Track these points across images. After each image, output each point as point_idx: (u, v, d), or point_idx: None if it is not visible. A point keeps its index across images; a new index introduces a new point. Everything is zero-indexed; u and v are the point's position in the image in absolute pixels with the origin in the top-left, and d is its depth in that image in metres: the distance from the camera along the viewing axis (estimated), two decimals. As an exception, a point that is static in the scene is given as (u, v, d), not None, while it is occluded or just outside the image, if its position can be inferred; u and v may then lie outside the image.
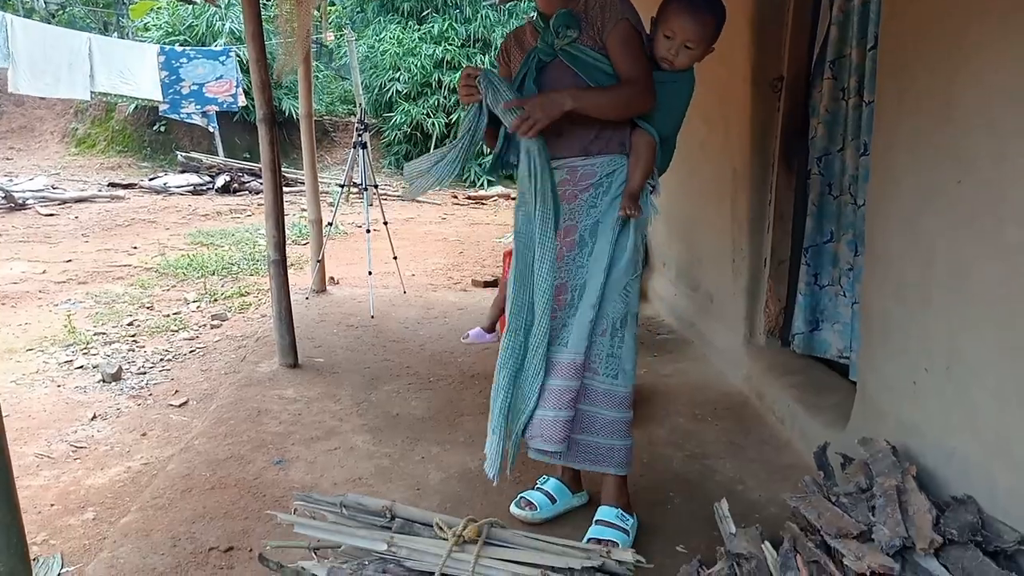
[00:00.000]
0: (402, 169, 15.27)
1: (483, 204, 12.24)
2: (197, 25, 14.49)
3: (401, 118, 14.54)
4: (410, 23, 15.11)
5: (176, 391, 3.90)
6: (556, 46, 2.21)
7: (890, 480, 1.96)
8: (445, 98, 14.50)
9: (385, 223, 5.92)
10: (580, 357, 2.24)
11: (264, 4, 4.94)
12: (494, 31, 14.57)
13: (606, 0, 2.18)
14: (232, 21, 14.32)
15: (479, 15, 14.80)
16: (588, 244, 2.26)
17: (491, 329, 4.41)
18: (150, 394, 3.87)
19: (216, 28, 14.42)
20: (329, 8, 15.29)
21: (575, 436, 2.30)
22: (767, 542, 1.96)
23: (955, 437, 1.99)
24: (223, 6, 13.90)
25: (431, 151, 2.39)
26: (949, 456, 2.01)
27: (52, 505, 2.77)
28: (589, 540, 2.23)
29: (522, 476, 2.71)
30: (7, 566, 1.46)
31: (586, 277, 2.25)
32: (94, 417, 3.57)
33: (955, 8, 1.97)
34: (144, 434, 3.38)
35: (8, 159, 14.55)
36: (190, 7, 14.20)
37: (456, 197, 12.51)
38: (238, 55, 12.88)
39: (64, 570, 2.35)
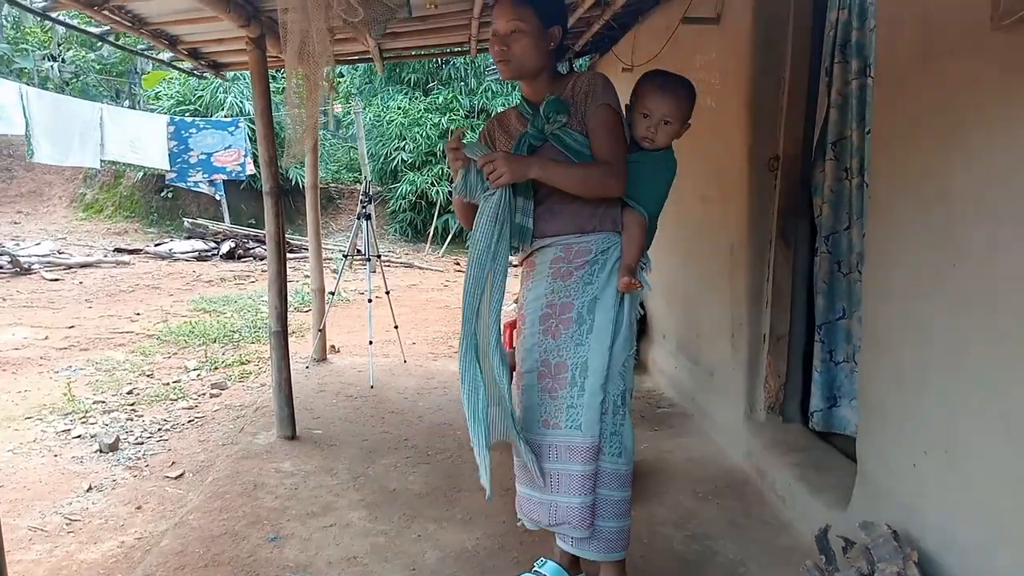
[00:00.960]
0: (407, 236, 15.26)
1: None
2: (202, 95, 14.87)
3: (406, 187, 14.80)
4: (416, 94, 15.50)
5: (173, 462, 3.87)
6: (547, 131, 2.27)
7: (892, 567, 1.94)
8: (449, 167, 14.72)
9: (387, 292, 5.97)
10: (596, 440, 2.23)
11: (272, 77, 5.06)
12: (496, 102, 14.90)
13: (590, 86, 2.26)
14: (233, 95, 14.68)
15: (482, 87, 15.17)
16: (587, 321, 2.27)
17: None
18: (147, 465, 3.84)
19: (219, 100, 14.79)
20: (337, 80, 15.66)
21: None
22: (768, 630, 1.94)
23: (955, 521, 1.98)
24: (229, 79, 14.25)
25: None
26: (950, 540, 1.99)
27: (43, 581, 2.73)
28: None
29: (519, 557, 2.67)
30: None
31: (587, 354, 2.25)
32: (89, 488, 3.54)
33: (948, 92, 2.01)
34: (139, 507, 3.34)
35: (16, 223, 14.76)
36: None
37: (458, 264, 12.59)
38: (249, 124, 13.13)
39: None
